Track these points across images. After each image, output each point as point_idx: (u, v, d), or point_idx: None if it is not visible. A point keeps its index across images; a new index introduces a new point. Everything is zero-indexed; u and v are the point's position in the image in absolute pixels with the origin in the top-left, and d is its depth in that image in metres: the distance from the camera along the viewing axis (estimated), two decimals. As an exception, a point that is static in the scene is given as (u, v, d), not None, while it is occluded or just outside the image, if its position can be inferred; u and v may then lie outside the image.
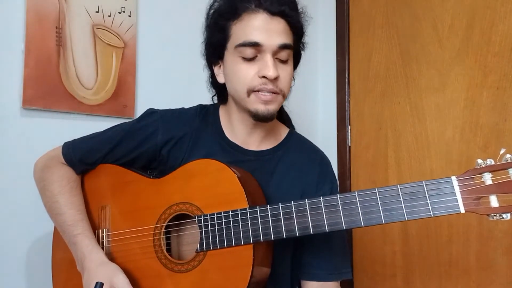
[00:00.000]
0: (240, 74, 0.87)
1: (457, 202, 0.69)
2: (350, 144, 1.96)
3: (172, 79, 1.51)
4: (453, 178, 0.70)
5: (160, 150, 0.97)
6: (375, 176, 1.86)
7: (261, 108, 0.87)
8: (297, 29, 0.90)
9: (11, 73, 1.15)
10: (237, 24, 0.87)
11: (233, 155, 0.96)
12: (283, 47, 0.86)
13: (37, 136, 1.19)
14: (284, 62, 0.88)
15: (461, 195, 0.69)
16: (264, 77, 0.85)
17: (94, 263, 0.87)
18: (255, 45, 0.84)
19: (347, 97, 1.97)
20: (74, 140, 1.01)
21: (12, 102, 1.15)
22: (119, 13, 1.38)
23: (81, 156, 0.98)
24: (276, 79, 0.86)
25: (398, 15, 1.81)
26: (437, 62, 1.67)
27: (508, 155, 0.68)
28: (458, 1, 1.62)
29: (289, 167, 0.97)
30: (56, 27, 1.22)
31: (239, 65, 0.87)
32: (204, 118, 1.00)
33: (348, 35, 1.98)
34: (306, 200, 0.77)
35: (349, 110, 1.97)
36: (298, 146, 1.02)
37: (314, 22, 2.08)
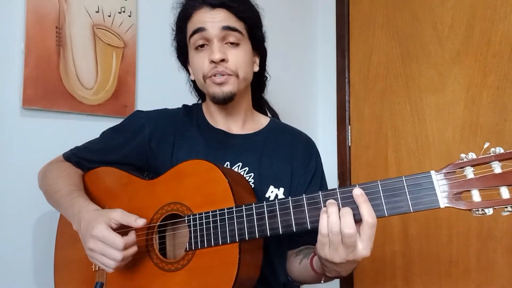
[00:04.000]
0: (196, 63, 0.97)
1: (436, 196, 0.67)
2: (350, 144, 1.96)
3: (172, 79, 1.51)
4: (433, 172, 0.68)
5: (149, 143, 1.02)
6: (375, 176, 1.86)
7: (216, 90, 0.95)
8: (244, 18, 0.97)
9: (11, 73, 1.15)
10: (189, 22, 0.98)
11: (219, 140, 1.02)
12: (227, 28, 0.94)
13: (37, 136, 1.19)
14: (234, 46, 0.95)
15: (441, 190, 0.67)
16: (212, 61, 0.93)
17: (91, 210, 0.88)
18: (199, 30, 0.94)
19: (347, 97, 1.97)
20: (73, 148, 1.09)
21: (12, 102, 1.15)
22: (119, 13, 1.37)
23: (76, 151, 1.06)
24: (224, 61, 0.93)
25: (398, 15, 1.81)
26: (437, 62, 1.67)
27: (492, 149, 0.67)
28: (458, 1, 1.62)
29: (276, 147, 1.03)
30: (56, 27, 1.22)
31: (194, 55, 0.98)
32: (188, 114, 1.08)
33: (348, 35, 1.98)
34: (290, 198, 0.77)
35: (349, 110, 1.97)
36: (281, 129, 1.09)
37: (314, 22, 2.09)
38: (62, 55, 1.23)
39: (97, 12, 1.32)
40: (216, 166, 0.85)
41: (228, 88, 0.94)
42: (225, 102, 0.96)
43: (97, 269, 0.94)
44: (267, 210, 0.78)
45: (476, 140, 1.56)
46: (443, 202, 0.67)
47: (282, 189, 0.97)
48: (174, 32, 1.05)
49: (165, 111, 1.08)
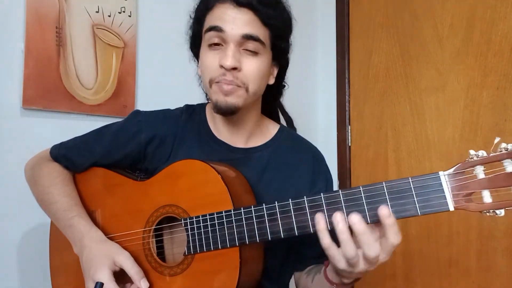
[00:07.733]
0: (205, 62, 0.87)
1: (446, 199, 0.64)
2: (350, 144, 1.96)
3: (172, 79, 1.51)
4: (441, 173, 0.64)
5: (144, 150, 0.96)
6: (375, 176, 1.86)
7: (220, 98, 0.85)
8: (270, 25, 0.87)
9: (11, 73, 1.15)
10: (209, 14, 0.88)
11: (220, 153, 0.94)
12: (247, 37, 0.83)
13: (37, 136, 1.19)
14: (252, 54, 0.85)
15: (450, 191, 0.64)
16: (222, 66, 0.83)
17: (94, 240, 0.85)
18: (216, 29, 0.84)
19: (347, 97, 1.97)
20: (63, 141, 1.01)
21: (12, 102, 1.15)
22: (119, 13, 1.37)
23: (66, 153, 0.98)
24: (236, 69, 0.84)
25: (398, 15, 1.81)
26: (437, 62, 1.67)
27: (503, 145, 0.63)
28: (458, 1, 1.62)
29: (281, 165, 0.95)
30: (56, 27, 1.22)
31: (205, 53, 0.87)
32: (190, 117, 0.99)
33: (348, 35, 1.99)
34: (290, 200, 0.74)
35: (349, 110, 1.97)
36: (289, 143, 1.00)
37: (314, 22, 2.09)
38: (62, 55, 1.23)
39: (97, 12, 1.32)
40: (210, 166, 0.82)
41: (233, 100, 0.85)
42: (226, 115, 0.88)
43: None
44: (266, 213, 0.75)
45: (476, 140, 1.56)
46: (452, 205, 0.64)
47: None
48: (191, 20, 0.94)
49: (166, 114, 1.00)
